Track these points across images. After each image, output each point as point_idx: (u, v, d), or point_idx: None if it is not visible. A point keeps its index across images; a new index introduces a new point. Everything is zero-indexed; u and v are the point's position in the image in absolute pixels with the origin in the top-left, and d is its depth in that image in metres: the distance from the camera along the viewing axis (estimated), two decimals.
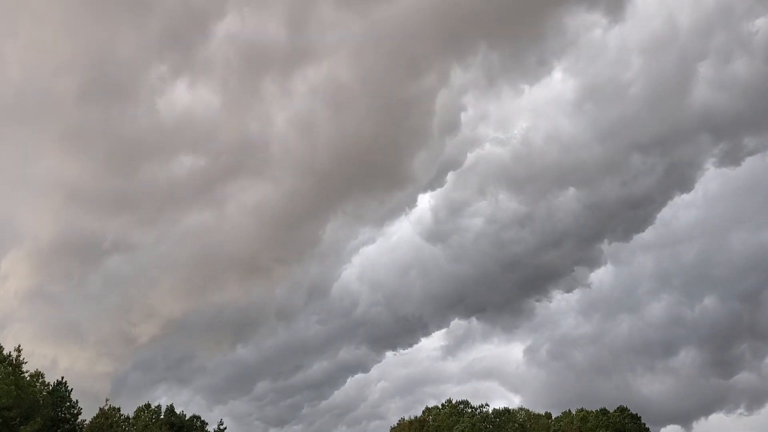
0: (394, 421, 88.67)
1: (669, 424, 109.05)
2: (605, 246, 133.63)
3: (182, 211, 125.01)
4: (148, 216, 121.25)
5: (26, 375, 58.14)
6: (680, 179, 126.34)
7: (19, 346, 59.04)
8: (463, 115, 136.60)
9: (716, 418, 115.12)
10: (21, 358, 57.91)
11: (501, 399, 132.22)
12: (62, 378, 65.48)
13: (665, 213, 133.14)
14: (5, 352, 56.87)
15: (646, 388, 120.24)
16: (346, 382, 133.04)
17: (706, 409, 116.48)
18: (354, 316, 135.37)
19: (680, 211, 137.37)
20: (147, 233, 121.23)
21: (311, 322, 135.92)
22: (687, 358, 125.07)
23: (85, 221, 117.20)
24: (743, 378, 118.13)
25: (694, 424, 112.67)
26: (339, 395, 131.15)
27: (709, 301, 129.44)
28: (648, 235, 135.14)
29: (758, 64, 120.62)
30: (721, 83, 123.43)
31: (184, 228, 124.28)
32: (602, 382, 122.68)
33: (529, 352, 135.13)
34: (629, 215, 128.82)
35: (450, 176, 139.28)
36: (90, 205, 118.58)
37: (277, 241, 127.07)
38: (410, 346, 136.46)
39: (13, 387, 53.29)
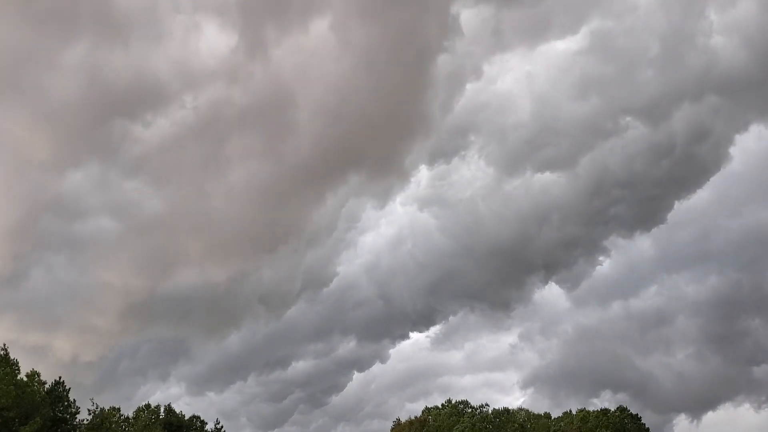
0: (397, 417, 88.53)
1: (678, 413, 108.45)
2: (608, 241, 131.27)
3: (169, 179, 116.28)
4: (129, 182, 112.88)
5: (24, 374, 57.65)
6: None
7: (5, 345, 58.63)
8: (468, 85, 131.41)
9: (726, 409, 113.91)
10: (13, 358, 57.47)
11: (504, 390, 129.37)
12: (60, 377, 65.47)
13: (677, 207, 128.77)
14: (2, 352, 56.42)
15: (655, 379, 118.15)
16: (345, 384, 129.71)
17: (717, 400, 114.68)
18: (350, 307, 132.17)
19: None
20: (126, 204, 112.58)
21: (304, 310, 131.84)
22: (693, 350, 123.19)
23: (57, 186, 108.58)
24: (760, 368, 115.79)
25: (703, 417, 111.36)
26: (339, 398, 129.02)
27: (717, 279, 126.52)
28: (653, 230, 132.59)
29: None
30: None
31: (169, 199, 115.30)
32: (609, 371, 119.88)
33: (528, 337, 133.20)
34: (635, 207, 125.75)
35: (451, 154, 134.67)
36: (63, 167, 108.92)
37: (267, 221, 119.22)
38: (406, 339, 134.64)
39: (12, 387, 52.76)
